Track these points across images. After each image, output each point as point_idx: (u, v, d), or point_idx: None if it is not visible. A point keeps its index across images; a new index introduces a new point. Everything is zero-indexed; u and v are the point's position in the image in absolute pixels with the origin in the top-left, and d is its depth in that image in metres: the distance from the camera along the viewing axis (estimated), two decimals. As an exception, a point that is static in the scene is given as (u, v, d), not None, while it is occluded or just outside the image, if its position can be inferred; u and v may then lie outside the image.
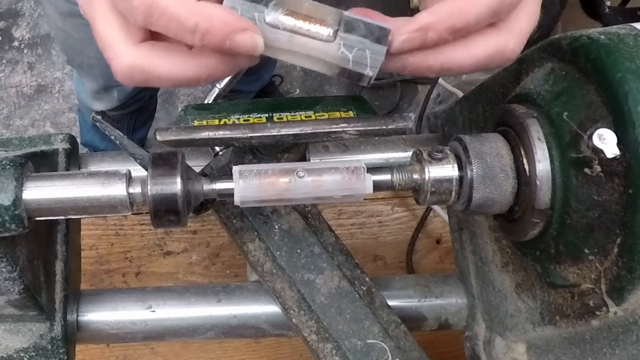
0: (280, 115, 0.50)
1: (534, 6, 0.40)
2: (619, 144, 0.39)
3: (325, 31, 0.38)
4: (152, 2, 0.34)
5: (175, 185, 0.43)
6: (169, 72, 0.37)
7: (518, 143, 0.45)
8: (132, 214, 0.46)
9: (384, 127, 0.45)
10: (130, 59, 0.37)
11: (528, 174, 0.44)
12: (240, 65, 0.38)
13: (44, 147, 0.56)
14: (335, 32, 0.38)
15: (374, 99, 1.81)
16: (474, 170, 0.45)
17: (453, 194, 0.46)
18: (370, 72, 0.38)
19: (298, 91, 1.86)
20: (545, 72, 0.47)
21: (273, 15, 0.37)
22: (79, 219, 0.62)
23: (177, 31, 0.35)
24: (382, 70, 0.39)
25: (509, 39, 0.39)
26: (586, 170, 0.41)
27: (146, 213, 0.61)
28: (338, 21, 0.38)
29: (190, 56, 0.37)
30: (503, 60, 0.40)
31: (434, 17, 0.37)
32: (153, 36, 0.38)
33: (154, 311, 0.60)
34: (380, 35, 0.38)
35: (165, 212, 0.44)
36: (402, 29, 0.37)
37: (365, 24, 0.38)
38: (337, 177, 0.44)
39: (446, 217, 0.95)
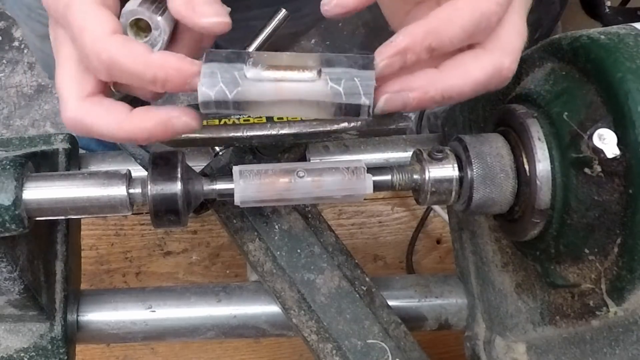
0: (280, 115, 0.50)
1: (520, 22, 0.40)
2: (619, 144, 0.39)
3: (309, 74, 0.37)
4: (111, 62, 0.36)
5: (175, 185, 0.43)
6: (105, 129, 0.39)
7: (518, 143, 0.45)
8: (132, 214, 0.46)
9: (384, 127, 0.45)
10: (73, 113, 0.39)
11: (528, 174, 0.44)
12: (178, 132, 0.39)
13: (44, 147, 0.56)
14: (319, 71, 0.37)
15: (374, 99, 1.81)
16: (474, 171, 0.45)
17: (453, 194, 0.46)
18: (365, 100, 0.36)
19: (298, 91, 1.85)
20: (545, 72, 0.47)
21: (254, 72, 0.37)
22: (79, 219, 0.62)
23: (139, 83, 0.37)
24: (384, 112, 0.39)
25: (504, 58, 0.39)
26: (586, 170, 0.41)
27: (146, 213, 0.61)
28: (319, 62, 0.37)
29: (128, 117, 0.38)
30: (501, 79, 0.40)
31: (410, 39, 0.37)
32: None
33: (154, 311, 0.60)
34: (364, 63, 0.37)
35: (165, 212, 0.44)
36: (380, 55, 0.37)
37: (346, 57, 0.37)
38: (337, 177, 0.44)
39: (446, 217, 0.95)
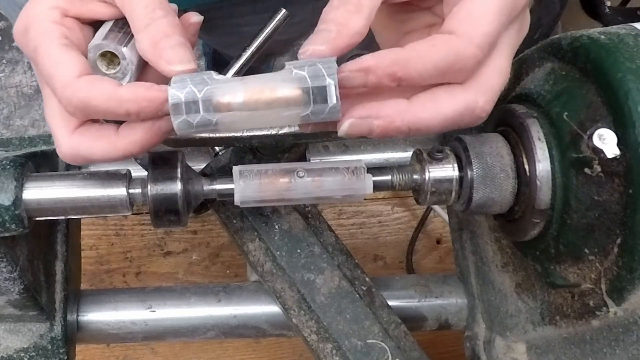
0: (280, 115, 0.50)
1: (504, 62, 0.39)
2: (619, 144, 0.39)
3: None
4: (82, 105, 0.37)
5: (175, 186, 0.43)
6: (102, 154, 0.40)
7: (518, 143, 0.45)
8: (132, 214, 0.47)
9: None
10: (67, 147, 0.40)
11: (528, 174, 0.44)
12: (167, 132, 0.40)
13: (44, 147, 0.56)
14: (283, 65, 0.38)
15: (374, 99, 1.81)
16: (474, 171, 0.45)
17: (453, 194, 0.46)
18: (330, 80, 0.36)
19: (298, 91, 1.86)
20: (545, 72, 0.48)
21: (222, 76, 0.38)
22: (79, 219, 0.62)
23: (115, 117, 0.38)
24: (348, 136, 0.39)
25: (479, 97, 0.38)
26: (586, 170, 0.41)
27: (146, 213, 0.61)
28: (281, 67, 0.38)
29: (118, 137, 0.40)
30: (473, 118, 0.39)
31: (376, 61, 0.37)
32: None
33: (154, 311, 0.60)
34: (324, 57, 0.37)
35: (165, 212, 0.44)
36: (344, 67, 0.37)
37: (307, 57, 0.37)
38: (337, 177, 0.44)
39: (446, 217, 0.95)
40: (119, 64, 0.40)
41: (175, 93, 0.37)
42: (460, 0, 0.38)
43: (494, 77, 0.39)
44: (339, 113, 0.37)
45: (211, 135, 0.49)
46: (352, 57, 0.38)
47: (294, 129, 0.49)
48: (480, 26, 0.37)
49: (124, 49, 0.39)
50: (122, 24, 0.41)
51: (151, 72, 0.42)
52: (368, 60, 0.37)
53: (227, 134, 0.49)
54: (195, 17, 0.43)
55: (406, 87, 0.38)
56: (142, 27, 0.39)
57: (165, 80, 0.39)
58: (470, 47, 0.37)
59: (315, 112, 0.37)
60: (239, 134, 0.49)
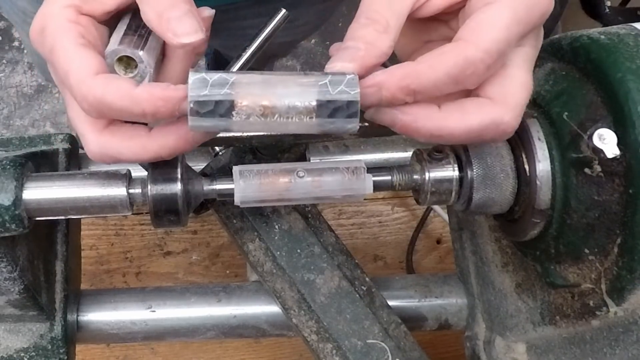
0: (280, 115, 0.50)
1: (526, 76, 0.40)
2: (619, 144, 0.39)
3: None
4: (98, 102, 0.37)
5: (175, 186, 0.44)
6: (131, 155, 0.40)
7: (518, 143, 0.45)
8: (132, 214, 0.46)
9: (384, 127, 0.45)
10: (96, 147, 0.40)
11: (528, 174, 0.44)
12: (199, 141, 0.40)
13: (44, 147, 0.56)
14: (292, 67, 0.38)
15: (374, 99, 1.80)
16: (474, 171, 0.45)
17: (453, 194, 0.46)
18: (356, 95, 0.36)
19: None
20: (545, 72, 0.48)
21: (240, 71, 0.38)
22: (79, 219, 0.62)
23: (130, 117, 0.38)
24: (372, 120, 0.39)
25: (505, 112, 0.39)
26: (586, 170, 0.41)
27: (146, 213, 0.61)
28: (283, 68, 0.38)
29: (149, 139, 0.40)
30: (498, 133, 0.39)
31: (387, 76, 0.37)
32: None
33: (154, 311, 0.60)
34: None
35: (165, 212, 0.44)
36: (360, 83, 0.37)
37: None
38: (337, 177, 0.44)
39: (446, 217, 0.95)
40: (136, 67, 0.40)
41: (194, 94, 0.36)
42: (475, 12, 0.38)
43: (520, 92, 0.39)
44: (357, 128, 0.37)
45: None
46: None
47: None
48: (488, 32, 0.37)
49: (141, 53, 0.39)
50: (136, 26, 0.41)
51: (169, 69, 0.42)
52: (379, 75, 0.37)
53: (229, 134, 0.49)
54: (207, 11, 0.42)
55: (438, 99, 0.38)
56: None
57: (183, 78, 0.38)
58: (477, 51, 0.37)
59: (336, 125, 0.37)
60: (239, 134, 0.49)
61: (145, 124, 0.40)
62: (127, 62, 0.40)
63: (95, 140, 0.40)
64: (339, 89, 0.37)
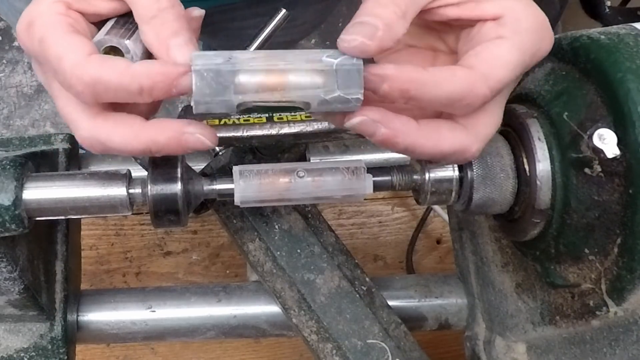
0: (280, 115, 0.50)
1: (499, 112, 0.40)
2: (619, 144, 0.39)
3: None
4: (94, 81, 0.36)
5: (176, 186, 0.43)
6: (122, 141, 0.38)
7: (518, 143, 0.45)
8: (132, 214, 0.46)
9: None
10: (87, 131, 0.39)
11: (528, 174, 0.44)
12: (190, 149, 0.39)
13: (44, 147, 0.56)
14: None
15: (374, 99, 1.81)
16: (474, 171, 0.45)
17: (453, 194, 0.46)
18: (360, 67, 0.35)
19: (298, 91, 1.85)
20: (545, 72, 0.48)
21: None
22: (79, 219, 0.62)
23: (127, 97, 0.37)
24: (353, 130, 0.38)
25: (474, 142, 0.39)
26: (586, 170, 0.41)
27: (146, 213, 0.61)
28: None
29: (143, 128, 0.38)
30: (462, 159, 0.40)
31: (397, 72, 0.36)
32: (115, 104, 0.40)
33: (154, 311, 0.60)
34: (366, 52, 0.36)
35: (165, 212, 0.44)
36: (366, 68, 0.37)
37: (352, 49, 0.36)
38: (337, 177, 0.44)
39: (446, 217, 0.95)
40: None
41: (197, 67, 0.35)
42: (486, 42, 0.38)
43: (490, 126, 0.40)
44: (358, 105, 0.36)
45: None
46: None
47: (295, 129, 0.49)
48: (499, 71, 0.37)
49: (127, 42, 0.39)
50: (124, 22, 0.40)
51: None
52: (390, 68, 0.36)
53: (229, 134, 0.49)
54: (197, 12, 0.42)
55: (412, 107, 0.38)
56: (148, 19, 0.38)
57: None
58: (483, 87, 0.37)
59: (337, 98, 0.36)
60: (239, 134, 0.49)
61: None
62: (115, 54, 0.39)
63: (87, 124, 0.39)
64: (346, 62, 0.36)
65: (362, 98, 0.36)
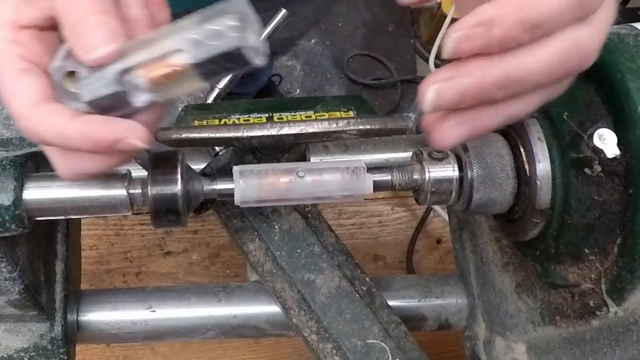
0: (280, 115, 0.50)
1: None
2: (619, 144, 0.39)
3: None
4: (36, 136, 0.36)
5: (176, 186, 0.43)
6: (51, 129, 0.36)
7: (518, 143, 0.45)
8: (133, 214, 0.46)
9: (384, 127, 0.45)
10: (25, 120, 0.37)
11: (528, 174, 0.44)
12: (108, 166, 0.38)
13: (44, 147, 0.56)
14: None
15: (374, 99, 1.81)
16: (475, 171, 0.45)
17: (453, 194, 0.46)
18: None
19: (298, 91, 1.86)
20: (545, 72, 0.47)
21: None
22: (79, 219, 0.62)
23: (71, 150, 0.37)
24: (436, 109, 0.31)
25: (583, 30, 0.30)
26: (586, 170, 0.41)
27: (146, 213, 0.61)
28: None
29: (74, 121, 0.36)
30: (580, 57, 0.31)
31: (497, 8, 0.28)
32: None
33: (154, 311, 0.60)
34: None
35: (165, 212, 0.44)
36: (457, 26, 0.29)
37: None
38: (337, 177, 0.44)
39: (446, 217, 0.95)
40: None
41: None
42: None
43: (605, 10, 0.31)
44: (263, 60, 0.31)
45: (211, 135, 0.49)
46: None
47: (295, 129, 0.49)
48: None
49: (83, 68, 0.36)
50: None
51: None
52: (487, 10, 0.29)
53: (229, 134, 0.49)
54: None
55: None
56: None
57: None
58: None
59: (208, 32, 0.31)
60: (239, 134, 0.49)
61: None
62: (76, 75, 0.37)
63: (28, 111, 0.36)
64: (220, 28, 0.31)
65: (260, 45, 0.31)
